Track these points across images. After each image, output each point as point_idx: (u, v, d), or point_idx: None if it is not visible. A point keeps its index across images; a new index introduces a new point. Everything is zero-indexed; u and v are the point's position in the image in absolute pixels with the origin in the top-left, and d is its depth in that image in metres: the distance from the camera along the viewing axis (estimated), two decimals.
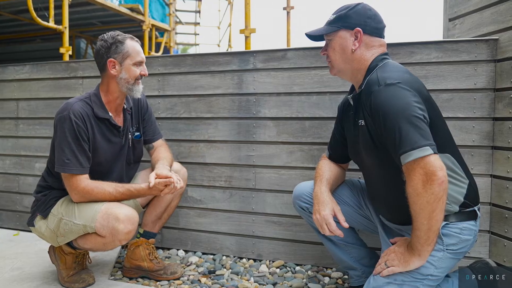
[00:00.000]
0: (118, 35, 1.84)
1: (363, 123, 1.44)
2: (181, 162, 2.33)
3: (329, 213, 1.49)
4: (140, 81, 1.87)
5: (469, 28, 2.07)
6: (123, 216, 1.70)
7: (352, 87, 1.60)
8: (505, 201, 1.81)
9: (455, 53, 1.90)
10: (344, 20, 1.48)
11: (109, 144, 1.87)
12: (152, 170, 1.93)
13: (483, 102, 1.88)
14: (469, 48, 1.89)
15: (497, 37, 1.85)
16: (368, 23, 1.47)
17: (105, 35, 1.85)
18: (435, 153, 1.21)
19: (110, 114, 1.87)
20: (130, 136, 1.98)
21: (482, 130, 1.88)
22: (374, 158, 1.44)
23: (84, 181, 1.75)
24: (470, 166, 1.88)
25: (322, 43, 1.60)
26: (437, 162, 1.20)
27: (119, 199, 1.77)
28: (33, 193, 1.94)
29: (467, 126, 1.90)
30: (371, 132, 1.39)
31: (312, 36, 1.57)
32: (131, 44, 1.83)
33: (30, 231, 2.73)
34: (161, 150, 2.06)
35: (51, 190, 1.88)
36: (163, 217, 2.07)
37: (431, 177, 1.20)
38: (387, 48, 1.53)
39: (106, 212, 1.71)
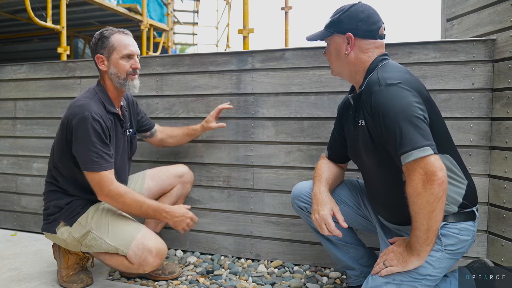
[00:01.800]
0: (106, 30, 1.83)
1: (363, 123, 1.44)
2: (179, 162, 2.33)
3: (328, 213, 1.49)
4: (134, 76, 1.84)
5: (467, 28, 2.07)
6: (156, 251, 1.73)
7: (353, 87, 1.60)
8: (503, 201, 1.81)
9: (453, 53, 1.91)
10: (336, 25, 1.49)
11: (117, 140, 1.89)
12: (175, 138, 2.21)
13: (481, 102, 1.88)
14: (467, 48, 1.89)
15: (495, 37, 1.86)
16: (359, 27, 1.46)
17: (97, 31, 1.85)
18: (435, 153, 1.22)
19: (117, 109, 1.88)
20: (128, 133, 1.99)
21: (480, 130, 1.89)
22: (374, 158, 1.45)
23: (115, 182, 1.71)
24: (468, 166, 1.88)
25: (321, 43, 1.61)
26: (437, 162, 1.21)
27: (143, 212, 1.75)
28: (50, 199, 1.85)
29: (465, 126, 1.90)
30: (371, 132, 1.39)
31: (309, 39, 1.59)
32: (117, 38, 1.81)
33: (28, 232, 2.74)
34: (168, 128, 2.22)
35: (75, 199, 1.82)
36: None
37: (431, 177, 1.20)
38: (386, 48, 1.53)
39: (142, 243, 1.73)
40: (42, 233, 2.05)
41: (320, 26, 1.57)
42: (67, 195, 1.83)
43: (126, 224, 1.80)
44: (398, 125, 1.25)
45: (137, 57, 1.86)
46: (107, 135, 1.75)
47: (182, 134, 2.19)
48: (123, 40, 1.82)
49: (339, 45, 1.50)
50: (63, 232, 1.81)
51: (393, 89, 1.31)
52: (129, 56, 1.82)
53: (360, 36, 1.47)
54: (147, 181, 2.07)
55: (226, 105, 2.18)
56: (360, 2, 1.51)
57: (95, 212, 1.82)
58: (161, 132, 2.20)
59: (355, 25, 1.46)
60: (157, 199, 2.07)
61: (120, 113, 1.91)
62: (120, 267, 1.79)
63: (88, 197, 1.83)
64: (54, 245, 1.98)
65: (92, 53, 1.86)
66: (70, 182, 1.82)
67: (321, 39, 1.55)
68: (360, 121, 1.46)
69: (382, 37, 1.51)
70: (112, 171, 1.73)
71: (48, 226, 1.84)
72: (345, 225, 1.48)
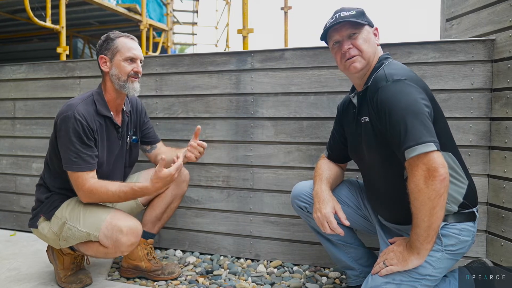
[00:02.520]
0: (112, 32, 1.87)
1: (367, 119, 1.44)
2: None
3: (330, 211, 1.49)
4: (135, 79, 1.85)
5: (466, 28, 2.07)
6: (127, 229, 1.70)
7: (353, 88, 1.60)
8: (502, 200, 1.82)
9: (452, 53, 1.91)
10: (366, 17, 1.52)
11: (109, 144, 1.87)
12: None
13: (480, 102, 1.88)
14: (466, 48, 1.89)
15: (494, 38, 1.86)
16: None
17: (104, 34, 1.88)
18: (438, 150, 1.23)
19: (112, 113, 1.87)
20: (128, 139, 1.98)
21: (479, 130, 1.89)
22: (376, 156, 1.45)
23: (90, 180, 1.73)
24: (467, 166, 1.88)
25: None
26: (439, 159, 1.22)
27: (122, 199, 1.75)
28: (36, 194, 1.92)
29: (464, 126, 1.90)
30: (375, 129, 1.40)
31: (324, 35, 1.54)
32: (122, 41, 1.84)
33: (27, 232, 2.74)
34: (167, 149, 2.13)
35: (54, 193, 1.86)
36: (162, 218, 2.06)
37: (433, 173, 1.21)
38: (385, 48, 1.55)
39: (111, 223, 1.70)
40: None
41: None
42: (49, 190, 1.87)
43: (97, 209, 1.78)
44: (404, 120, 1.26)
45: (140, 62, 1.87)
46: (90, 136, 1.75)
47: (170, 164, 2.09)
48: (128, 43, 1.84)
49: (371, 35, 1.51)
50: (44, 227, 1.84)
51: (400, 85, 1.32)
52: (132, 60, 1.83)
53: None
54: (141, 181, 2.03)
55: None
56: None
57: (69, 203, 1.83)
58: (161, 154, 2.10)
59: (372, 22, 1.54)
60: (152, 200, 2.05)
61: (116, 117, 1.90)
62: (99, 255, 1.77)
63: (67, 194, 1.86)
64: (48, 249, 1.99)
65: (96, 54, 1.90)
66: (55, 178, 1.86)
67: (361, 24, 1.47)
68: (363, 118, 1.47)
69: None
70: (91, 172, 1.74)
71: (32, 221, 1.89)
72: (347, 223, 1.49)
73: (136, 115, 2.04)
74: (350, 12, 1.48)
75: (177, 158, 1.77)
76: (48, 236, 1.84)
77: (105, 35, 1.87)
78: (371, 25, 1.52)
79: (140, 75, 1.87)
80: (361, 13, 1.50)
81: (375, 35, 1.52)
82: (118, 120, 1.91)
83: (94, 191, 1.72)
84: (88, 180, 1.73)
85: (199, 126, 1.89)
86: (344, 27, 1.48)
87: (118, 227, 1.69)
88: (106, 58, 1.84)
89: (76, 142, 1.71)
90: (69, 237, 1.78)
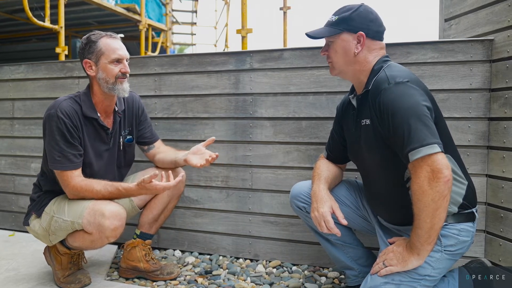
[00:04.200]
0: (93, 34, 1.81)
1: (368, 122, 1.44)
2: None
3: (327, 210, 1.49)
4: (123, 79, 1.81)
5: (465, 28, 2.07)
6: (109, 213, 1.68)
7: (353, 88, 1.60)
8: (501, 200, 1.82)
9: (451, 53, 1.91)
10: (347, 23, 1.47)
11: (97, 144, 1.86)
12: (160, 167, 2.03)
13: (479, 102, 1.88)
14: (464, 48, 1.89)
15: (493, 38, 1.86)
16: (370, 27, 1.47)
17: (84, 36, 1.83)
18: (442, 151, 1.23)
19: (99, 114, 1.84)
20: (121, 139, 1.96)
21: (478, 130, 1.89)
22: (376, 158, 1.45)
23: (75, 178, 1.75)
24: (466, 166, 1.88)
25: (320, 43, 1.61)
26: (443, 161, 1.22)
27: (107, 197, 1.76)
28: (31, 193, 1.95)
29: (462, 126, 1.91)
30: (376, 131, 1.40)
31: (312, 36, 1.56)
32: (105, 42, 1.78)
33: (26, 232, 2.73)
34: (166, 149, 2.10)
35: (45, 192, 1.89)
36: (160, 219, 2.05)
37: (437, 175, 1.21)
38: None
39: (93, 209, 1.71)
40: None
41: (319, 26, 1.56)
42: (41, 190, 1.91)
43: (81, 200, 1.78)
44: (407, 122, 1.26)
45: (126, 60, 1.83)
46: (74, 134, 1.75)
47: (169, 164, 2.03)
48: (111, 44, 1.79)
49: (348, 43, 1.47)
50: (35, 224, 1.87)
51: (402, 87, 1.32)
52: (118, 61, 1.79)
53: (370, 36, 1.47)
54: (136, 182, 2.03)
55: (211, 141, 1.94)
56: (364, 4, 1.51)
57: (57, 199, 1.86)
58: (160, 152, 2.07)
59: (366, 25, 1.46)
60: (149, 201, 2.04)
61: (106, 119, 1.88)
62: (86, 244, 1.77)
63: (58, 192, 1.87)
64: (45, 252, 1.99)
65: (80, 58, 1.84)
66: (47, 178, 1.88)
67: (328, 36, 1.50)
68: (363, 120, 1.47)
69: (383, 39, 1.53)
70: (76, 171, 1.76)
71: (25, 219, 1.92)
72: (344, 222, 1.48)
73: (131, 113, 2.00)
74: (333, 18, 1.51)
75: (170, 174, 1.78)
76: (38, 233, 1.86)
77: (85, 37, 1.81)
78: (353, 31, 1.46)
79: (128, 75, 1.84)
80: (341, 20, 1.47)
81: (359, 41, 1.46)
82: (108, 121, 1.89)
83: (79, 189, 1.74)
84: (74, 178, 1.75)
85: (213, 138, 1.92)
86: (323, 33, 1.51)
87: (101, 211, 1.69)
88: (90, 62, 1.79)
89: (60, 140, 1.72)
90: (56, 230, 1.79)
